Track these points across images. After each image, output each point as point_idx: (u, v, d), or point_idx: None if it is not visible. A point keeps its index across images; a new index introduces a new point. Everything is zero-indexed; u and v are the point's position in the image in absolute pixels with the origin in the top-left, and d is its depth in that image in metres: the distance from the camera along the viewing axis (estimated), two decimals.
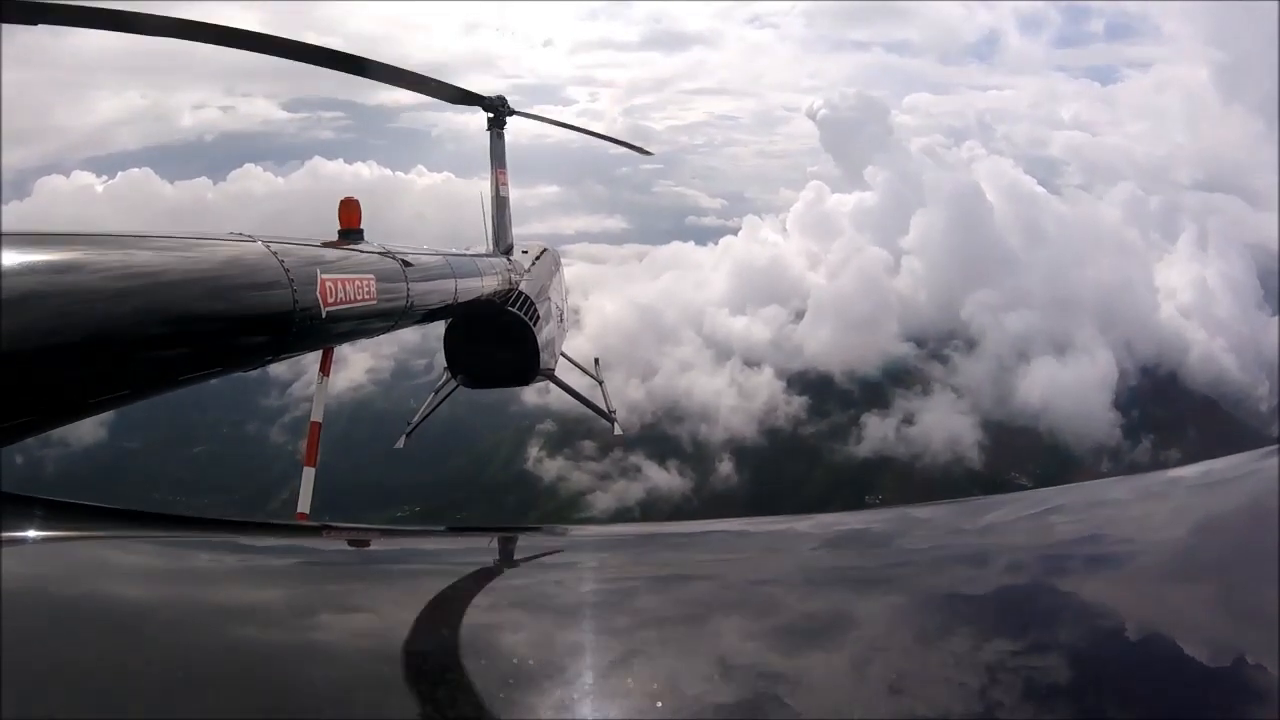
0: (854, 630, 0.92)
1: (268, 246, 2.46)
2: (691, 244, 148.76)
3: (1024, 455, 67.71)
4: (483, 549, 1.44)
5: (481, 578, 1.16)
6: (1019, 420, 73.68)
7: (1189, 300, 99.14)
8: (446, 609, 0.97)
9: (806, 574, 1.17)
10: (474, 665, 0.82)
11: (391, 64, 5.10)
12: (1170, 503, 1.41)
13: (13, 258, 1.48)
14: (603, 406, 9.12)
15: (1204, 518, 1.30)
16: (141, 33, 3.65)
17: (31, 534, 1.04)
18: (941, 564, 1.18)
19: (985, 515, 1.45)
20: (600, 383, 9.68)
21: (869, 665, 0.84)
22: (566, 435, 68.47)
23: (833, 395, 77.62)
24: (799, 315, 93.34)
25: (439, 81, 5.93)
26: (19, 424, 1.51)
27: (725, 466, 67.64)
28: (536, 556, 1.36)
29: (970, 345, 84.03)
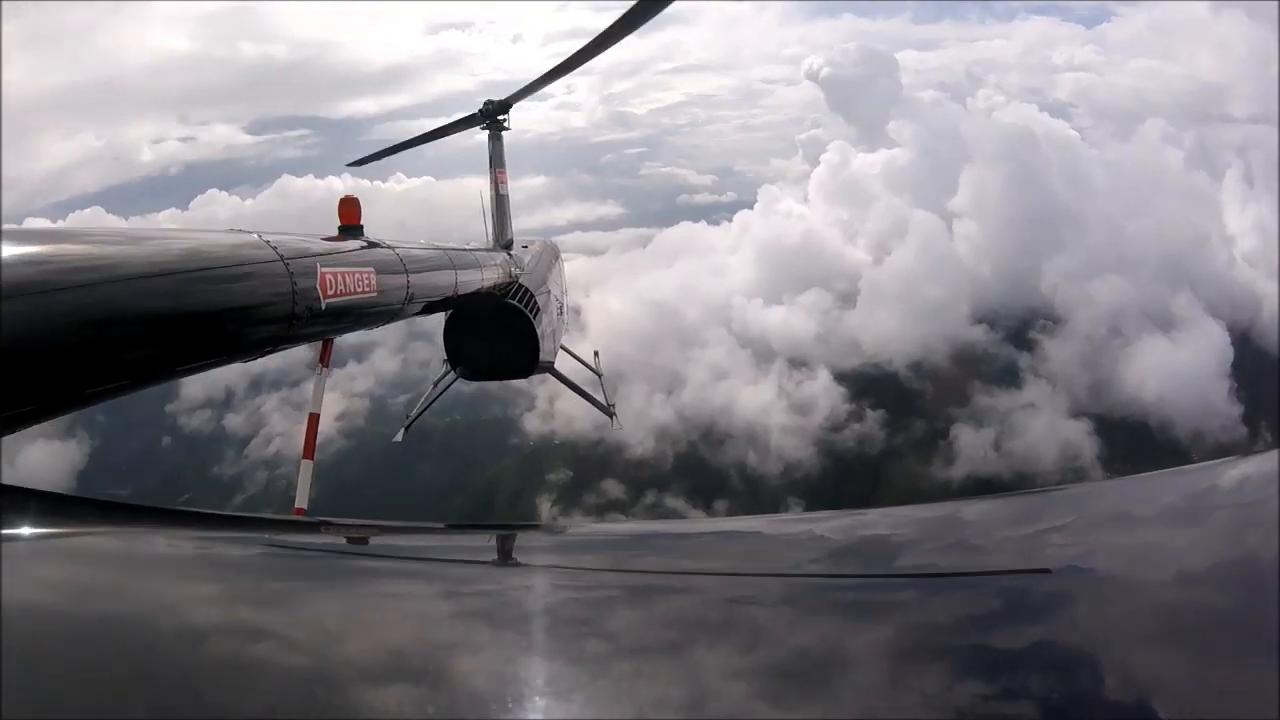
0: (858, 628, 0.92)
1: (266, 240, 2.50)
2: (703, 224, 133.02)
3: (1143, 460, 54.05)
4: (482, 546, 1.41)
5: (481, 574, 1.15)
6: (1121, 411, 60.11)
7: (1251, 247, 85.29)
8: (445, 605, 0.97)
9: (811, 572, 1.14)
10: (472, 661, 0.82)
11: (401, 141, 8.13)
12: (1172, 504, 1.38)
13: (14, 251, 1.53)
14: (602, 401, 9.08)
15: (1207, 519, 1.29)
16: None
17: (31, 527, 1.05)
18: (936, 564, 1.16)
19: (984, 515, 1.43)
20: (600, 376, 9.85)
21: (869, 664, 0.83)
22: (587, 478, 54.76)
23: (904, 399, 63.77)
24: (845, 299, 78.95)
25: (444, 126, 7.74)
26: (21, 413, 1.55)
27: (793, 512, 53.64)
28: (537, 553, 1.35)
29: (1056, 324, 69.91)
